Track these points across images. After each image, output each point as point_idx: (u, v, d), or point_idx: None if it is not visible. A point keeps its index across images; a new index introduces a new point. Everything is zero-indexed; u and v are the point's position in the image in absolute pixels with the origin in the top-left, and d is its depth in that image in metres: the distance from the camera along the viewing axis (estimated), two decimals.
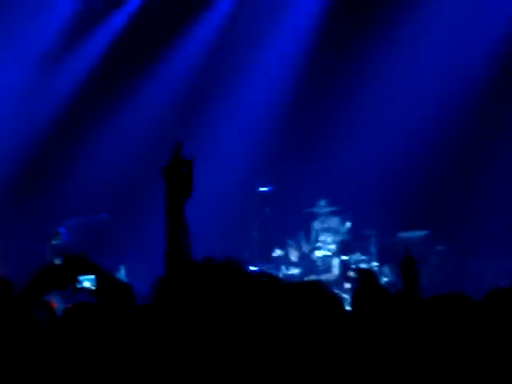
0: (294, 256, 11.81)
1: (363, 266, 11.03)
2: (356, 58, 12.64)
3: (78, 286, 3.46)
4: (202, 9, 13.40)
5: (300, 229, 12.20)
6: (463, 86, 12.19)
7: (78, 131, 13.05)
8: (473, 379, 2.40)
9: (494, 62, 12.17)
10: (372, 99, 12.59)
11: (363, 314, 3.33)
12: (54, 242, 11.00)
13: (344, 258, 11.74)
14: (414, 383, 2.28)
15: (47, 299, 4.06)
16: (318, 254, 11.91)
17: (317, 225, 12.36)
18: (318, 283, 2.14)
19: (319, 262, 11.82)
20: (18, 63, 12.92)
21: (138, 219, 12.01)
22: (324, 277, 11.58)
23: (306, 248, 12.22)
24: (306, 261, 11.77)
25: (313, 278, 11.27)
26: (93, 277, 3.43)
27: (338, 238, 11.95)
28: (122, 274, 10.91)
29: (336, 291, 11.26)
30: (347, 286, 11.32)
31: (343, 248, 11.93)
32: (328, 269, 11.75)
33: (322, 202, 12.16)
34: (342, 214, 12.03)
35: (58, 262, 8.25)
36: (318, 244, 12.05)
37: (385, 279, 11.54)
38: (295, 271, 11.56)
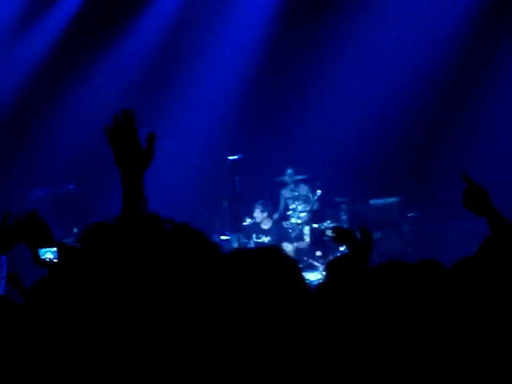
0: (263, 223, 11.75)
1: None
2: (326, 26, 12.57)
3: (41, 258, 3.35)
4: None
5: (270, 197, 12.15)
6: (430, 52, 12.19)
7: (43, 101, 12.89)
8: (441, 346, 2.35)
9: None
10: (341, 67, 12.54)
11: (339, 281, 3.26)
12: None
13: (315, 225, 11.73)
14: (382, 352, 2.21)
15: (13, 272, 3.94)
16: (290, 221, 11.89)
17: (287, 193, 12.32)
18: (275, 248, 2.03)
19: (290, 230, 11.79)
20: None
21: (107, 190, 11.87)
22: (295, 244, 11.56)
23: (275, 213, 12.19)
24: (277, 229, 11.73)
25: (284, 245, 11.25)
26: (55, 249, 3.32)
27: (308, 206, 11.92)
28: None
29: (307, 259, 11.28)
30: (318, 253, 11.33)
31: (314, 216, 11.92)
32: (299, 237, 11.73)
33: (290, 171, 12.12)
34: (313, 181, 12.00)
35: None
36: (289, 212, 12.02)
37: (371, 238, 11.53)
38: (266, 239, 11.52)
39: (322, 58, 12.63)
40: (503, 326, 2.37)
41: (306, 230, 11.80)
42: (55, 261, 3.36)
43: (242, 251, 1.99)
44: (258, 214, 11.64)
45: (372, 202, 12.10)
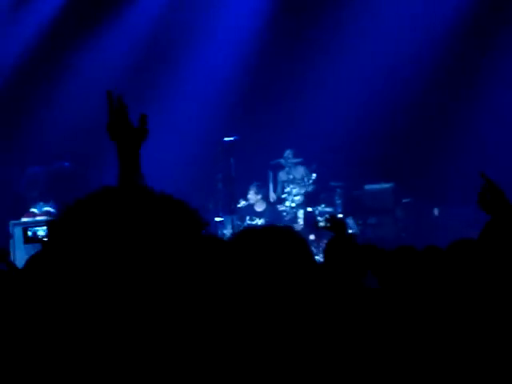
0: (257, 206, 11.74)
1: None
2: (325, 10, 12.54)
3: (30, 235, 3.35)
4: None
5: (265, 179, 12.14)
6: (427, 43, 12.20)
7: (40, 77, 12.83)
8: (435, 328, 2.35)
9: None
10: (339, 51, 12.51)
11: (335, 264, 3.27)
12: None
13: (309, 209, 11.72)
14: (380, 337, 2.22)
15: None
16: (284, 204, 11.88)
17: (282, 176, 12.31)
18: (286, 228, 2.02)
19: (284, 213, 11.79)
20: None
21: (103, 168, 11.86)
22: None
23: (271, 198, 12.18)
24: (271, 212, 11.72)
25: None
26: (44, 227, 3.32)
27: (303, 190, 11.92)
28: None
29: None
30: (312, 237, 11.33)
31: (308, 199, 11.92)
32: (293, 220, 11.73)
33: (288, 153, 12.09)
34: (308, 165, 11.99)
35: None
36: (284, 195, 12.01)
37: (349, 231, 11.56)
38: (259, 222, 11.51)
39: (319, 41, 12.58)
40: (505, 313, 2.37)
41: (300, 213, 11.79)
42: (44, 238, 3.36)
43: (254, 230, 1.98)
44: (252, 196, 11.62)
45: (367, 187, 12.10)
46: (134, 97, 2.92)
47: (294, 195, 11.89)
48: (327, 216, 4.08)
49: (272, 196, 12.17)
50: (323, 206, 11.68)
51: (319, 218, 6.60)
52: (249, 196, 11.66)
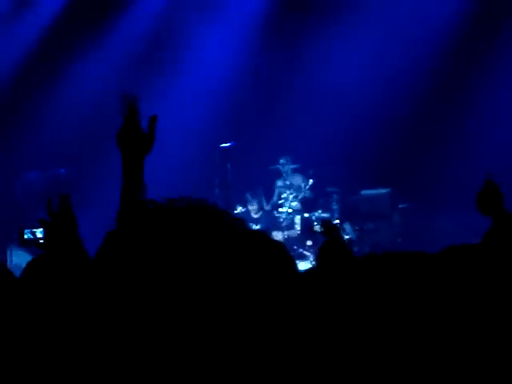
0: (254, 212, 11.75)
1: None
2: (320, 13, 12.54)
3: (26, 237, 3.33)
4: None
5: (262, 185, 12.14)
6: (427, 42, 12.19)
7: (38, 83, 12.82)
8: (429, 335, 2.33)
9: None
10: (335, 55, 12.51)
11: (328, 268, 3.26)
12: None
13: (306, 215, 11.72)
14: (375, 342, 2.20)
15: None
16: (281, 210, 11.88)
17: (280, 182, 12.31)
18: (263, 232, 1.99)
19: (281, 219, 11.79)
20: None
21: (98, 174, 11.84)
22: (286, 233, 11.56)
23: (267, 205, 12.18)
24: (267, 218, 11.72)
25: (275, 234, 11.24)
26: (41, 229, 3.31)
27: (300, 195, 11.92)
28: None
29: (297, 248, 11.28)
30: (309, 243, 11.32)
31: (305, 205, 11.92)
32: (290, 226, 11.73)
33: (285, 159, 12.10)
34: (305, 171, 11.99)
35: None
36: (281, 201, 12.01)
37: (346, 236, 11.56)
38: (256, 228, 11.51)
39: (315, 46, 12.58)
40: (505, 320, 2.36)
41: (297, 219, 11.80)
42: (41, 240, 3.34)
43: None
44: (253, 208, 11.69)
45: (363, 192, 12.10)
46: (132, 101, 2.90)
47: (291, 201, 11.89)
48: (320, 221, 4.08)
49: (266, 207, 12.15)
50: (320, 211, 11.68)
51: (315, 223, 6.60)
52: (249, 206, 11.70)
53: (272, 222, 11.64)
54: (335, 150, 11.96)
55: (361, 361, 2.00)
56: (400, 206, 11.94)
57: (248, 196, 11.71)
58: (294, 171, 12.14)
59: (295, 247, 11.23)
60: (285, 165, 12.12)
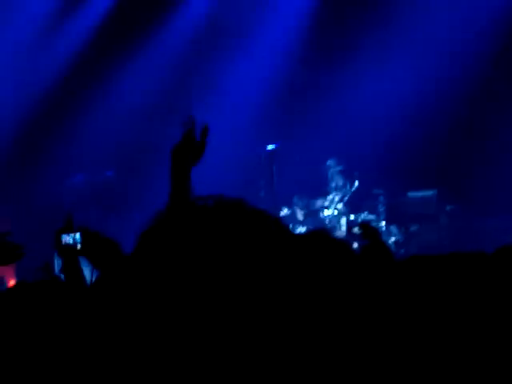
0: (300, 215, 11.73)
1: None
2: (365, 13, 12.49)
3: (64, 243, 3.36)
4: None
5: (308, 188, 12.11)
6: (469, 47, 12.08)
7: (83, 87, 12.95)
8: (476, 335, 2.29)
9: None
10: (379, 58, 12.44)
11: (367, 271, 3.22)
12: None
13: (352, 217, 11.67)
14: (413, 343, 2.17)
15: None
16: (326, 213, 11.84)
17: (325, 184, 12.26)
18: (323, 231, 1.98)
19: (326, 221, 11.75)
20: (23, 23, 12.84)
21: (144, 178, 11.93)
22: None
23: (313, 207, 12.14)
24: (313, 220, 11.69)
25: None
26: (78, 234, 3.33)
27: (345, 197, 11.87)
28: None
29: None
30: (355, 245, 11.24)
31: (351, 207, 11.86)
32: (335, 228, 11.68)
33: (332, 161, 12.05)
34: (350, 173, 11.93)
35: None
36: (326, 203, 11.97)
37: (392, 238, 11.48)
38: (302, 230, 11.49)
39: (361, 48, 12.51)
40: None
41: (343, 221, 11.74)
42: (79, 246, 3.37)
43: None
44: (300, 211, 11.70)
45: (410, 194, 12.00)
46: (180, 106, 2.92)
47: (337, 203, 11.84)
48: (360, 222, 4.04)
49: (311, 209, 12.12)
50: (366, 213, 11.61)
51: (354, 226, 6.56)
52: (295, 210, 11.70)
53: (317, 224, 11.60)
54: (381, 151, 11.88)
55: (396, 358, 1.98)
56: (448, 207, 11.82)
57: (294, 198, 11.70)
58: (340, 173, 12.08)
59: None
60: (331, 167, 12.07)
